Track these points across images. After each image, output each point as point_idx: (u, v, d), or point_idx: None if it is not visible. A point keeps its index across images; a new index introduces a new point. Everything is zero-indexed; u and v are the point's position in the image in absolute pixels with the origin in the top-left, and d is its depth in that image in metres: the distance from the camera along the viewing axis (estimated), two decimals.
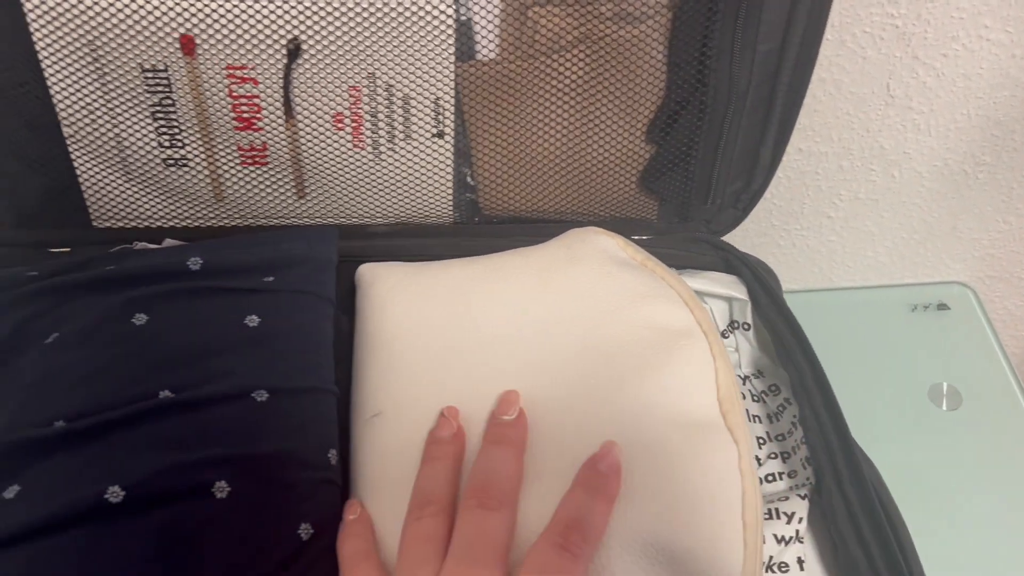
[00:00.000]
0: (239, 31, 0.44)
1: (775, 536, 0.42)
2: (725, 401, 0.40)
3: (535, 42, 0.47)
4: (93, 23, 0.43)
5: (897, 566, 0.39)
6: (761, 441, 0.47)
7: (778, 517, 0.42)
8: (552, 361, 0.40)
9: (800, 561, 0.42)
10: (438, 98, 0.48)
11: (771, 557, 0.41)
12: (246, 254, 0.45)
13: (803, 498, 0.44)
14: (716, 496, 0.37)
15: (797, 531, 0.42)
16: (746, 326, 0.51)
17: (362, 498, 0.39)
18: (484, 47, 0.47)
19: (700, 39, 0.46)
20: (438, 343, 0.42)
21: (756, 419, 0.48)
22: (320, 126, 0.48)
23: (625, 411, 0.38)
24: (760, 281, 0.50)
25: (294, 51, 0.45)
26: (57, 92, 0.46)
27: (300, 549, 0.36)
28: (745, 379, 0.50)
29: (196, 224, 0.52)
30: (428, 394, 0.40)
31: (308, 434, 0.39)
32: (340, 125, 0.48)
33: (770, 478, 0.46)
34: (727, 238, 0.54)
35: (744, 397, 0.48)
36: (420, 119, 0.49)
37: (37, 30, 0.43)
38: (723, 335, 0.51)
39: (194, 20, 0.43)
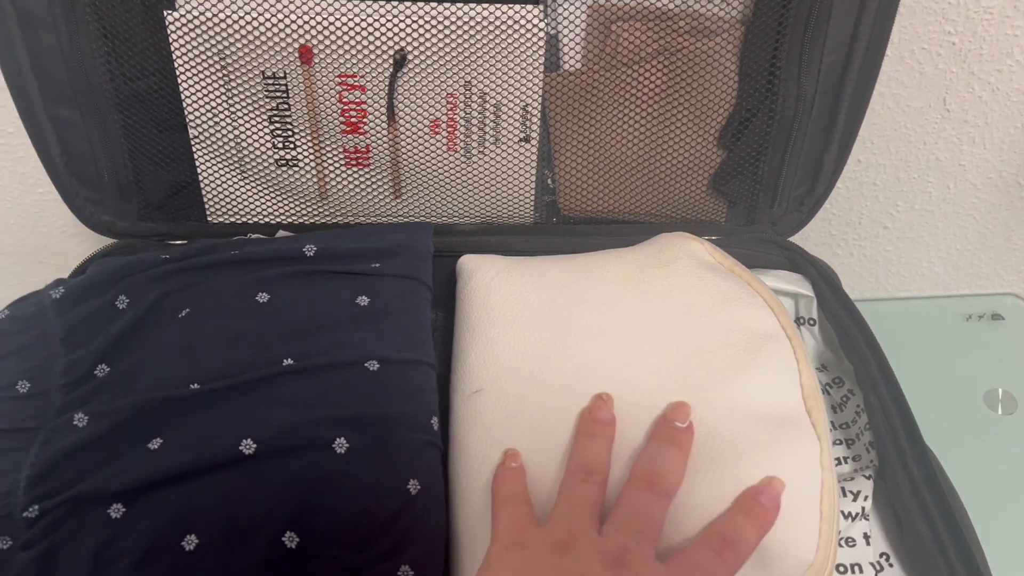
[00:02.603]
0: (352, 42, 0.49)
1: (842, 512, 0.45)
2: (809, 399, 0.43)
3: (617, 54, 0.51)
4: (224, 35, 0.48)
5: (961, 539, 0.42)
6: None
7: (844, 495, 0.45)
8: (644, 354, 0.44)
9: (866, 536, 0.45)
10: (526, 105, 0.52)
11: (838, 532, 0.44)
12: (354, 243, 0.49)
13: (868, 478, 0.46)
14: (798, 487, 0.40)
15: (863, 508, 0.45)
16: (811, 322, 0.54)
17: (462, 466, 0.42)
18: (569, 58, 0.51)
19: (770, 52, 0.50)
20: (537, 329, 0.45)
21: None
22: (418, 131, 0.52)
23: (715, 405, 0.42)
24: (825, 278, 0.53)
25: (400, 61, 0.50)
26: (187, 97, 0.51)
27: (409, 502, 0.40)
28: None
29: (300, 221, 0.56)
30: (527, 374, 0.44)
31: (414, 401, 0.43)
32: (437, 130, 0.53)
33: (836, 462, 0.49)
34: None
35: None
36: (509, 125, 0.53)
37: (175, 40, 0.48)
38: None
39: (313, 32, 0.48)
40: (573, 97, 0.53)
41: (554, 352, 0.44)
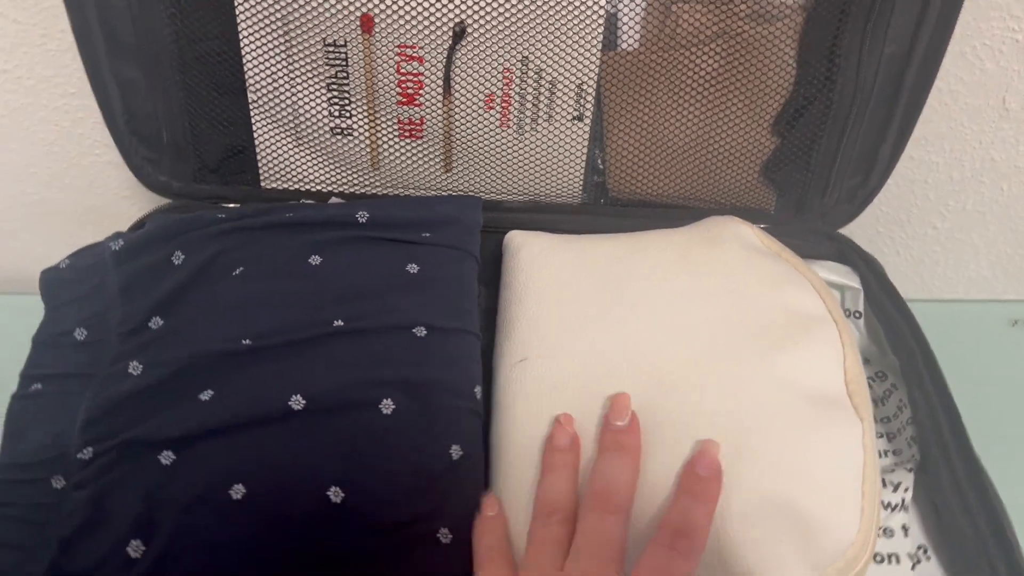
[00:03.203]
0: (414, 12, 0.49)
1: (882, 502, 0.45)
2: (852, 383, 0.43)
3: (675, 35, 0.51)
4: (288, 0, 0.49)
5: (1003, 536, 0.41)
6: None
7: (884, 486, 0.45)
8: (690, 330, 0.44)
9: (905, 528, 0.44)
10: (581, 83, 0.52)
11: (879, 516, 0.44)
12: (406, 212, 0.50)
13: (909, 471, 0.46)
14: (840, 465, 0.40)
15: (903, 499, 0.45)
16: (857, 314, 0.54)
17: (504, 433, 0.43)
18: (628, 38, 0.52)
19: (830, 39, 0.50)
20: (584, 302, 0.46)
21: None
22: (473, 105, 0.53)
23: (761, 382, 0.42)
24: (874, 271, 0.53)
25: (459, 33, 0.50)
26: (249, 61, 0.52)
27: (451, 467, 0.41)
28: None
29: (351, 190, 0.57)
30: (573, 345, 0.44)
31: (459, 368, 0.44)
32: (491, 104, 0.53)
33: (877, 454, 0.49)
34: None
35: None
36: (563, 103, 0.53)
37: (240, 4, 0.49)
38: None
39: (375, 0, 0.49)
40: (629, 77, 0.53)
41: (600, 325, 0.44)
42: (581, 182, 0.57)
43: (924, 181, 0.66)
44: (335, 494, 0.38)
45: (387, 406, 0.41)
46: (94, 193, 0.69)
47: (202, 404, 0.41)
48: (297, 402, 0.40)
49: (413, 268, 0.47)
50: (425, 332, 0.44)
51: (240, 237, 0.48)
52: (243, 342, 0.43)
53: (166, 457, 0.39)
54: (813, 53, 0.50)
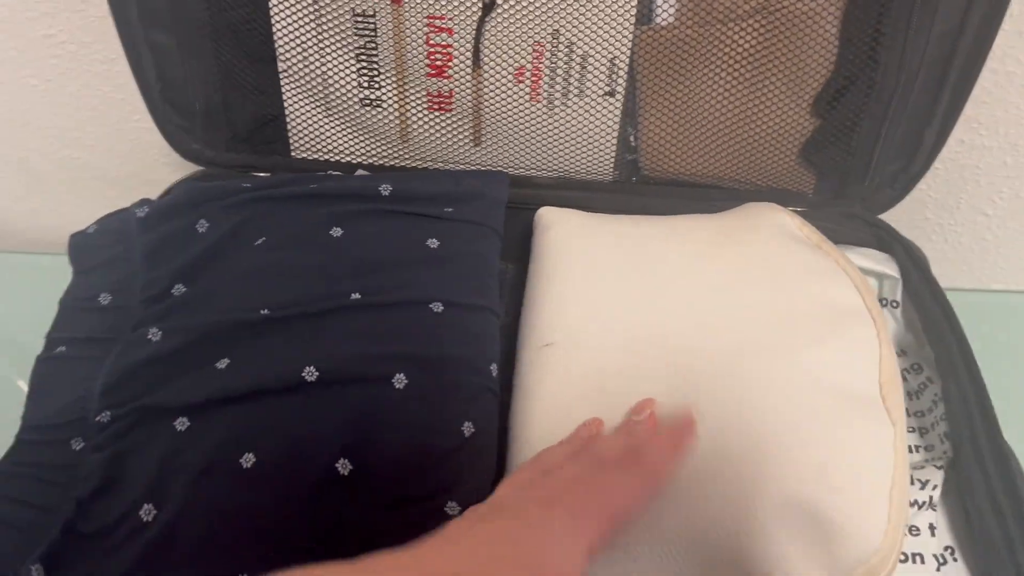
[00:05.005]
0: None
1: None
2: (886, 384, 0.42)
3: (712, 10, 0.49)
4: None
5: None
6: None
7: (912, 483, 0.43)
8: (722, 318, 0.43)
9: (932, 527, 0.43)
10: (614, 58, 0.51)
11: (907, 522, 0.42)
12: (430, 186, 0.49)
13: (939, 468, 0.44)
14: (868, 468, 0.38)
15: (931, 497, 0.43)
16: (894, 304, 0.52)
17: (528, 416, 0.42)
18: (663, 12, 0.50)
19: (875, 16, 0.48)
20: (614, 285, 0.45)
21: None
22: (503, 78, 0.52)
23: (792, 379, 0.40)
24: (914, 260, 0.51)
25: (490, 5, 0.49)
26: (279, 30, 0.51)
27: (462, 444, 0.40)
28: None
29: (380, 162, 0.57)
30: (601, 331, 0.43)
31: (475, 345, 0.43)
32: (521, 78, 0.52)
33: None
34: None
35: None
36: (594, 78, 0.52)
37: None
38: None
39: None
40: (663, 53, 0.51)
41: (629, 311, 0.44)
42: (612, 159, 0.56)
43: (976, 166, 0.63)
44: (343, 466, 0.38)
45: (400, 380, 0.40)
46: (134, 159, 0.70)
47: (218, 372, 0.41)
48: (310, 373, 0.40)
49: (433, 243, 0.46)
50: (442, 308, 0.43)
51: (263, 207, 0.48)
52: (261, 312, 0.43)
53: (181, 424, 0.40)
54: (857, 30, 0.48)
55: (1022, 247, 0.68)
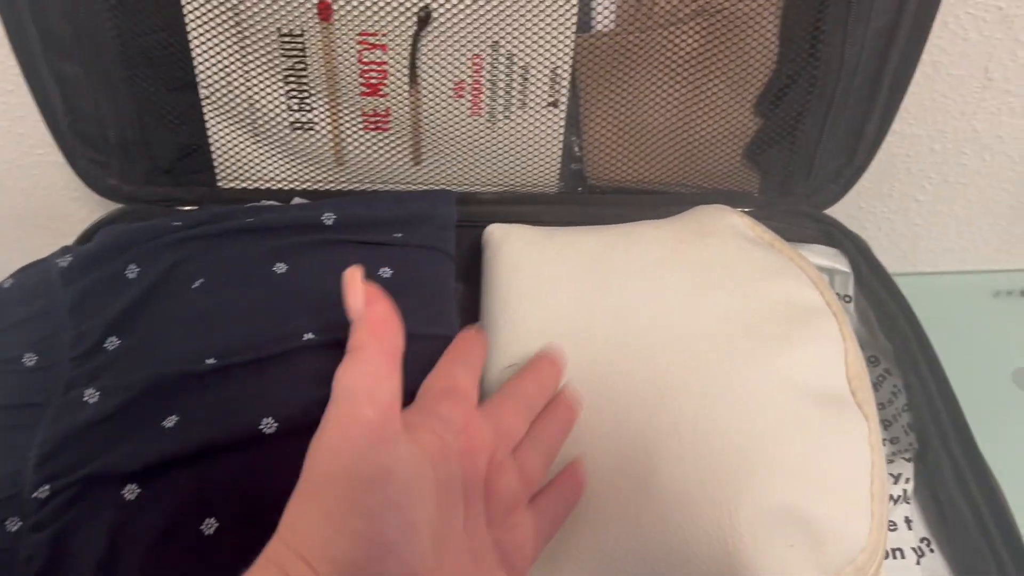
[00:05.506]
0: None
1: None
2: (854, 379, 0.41)
3: (652, 14, 0.48)
4: None
5: (1007, 526, 0.40)
6: None
7: None
8: (687, 326, 0.42)
9: (908, 520, 0.43)
10: (556, 68, 0.50)
11: (888, 515, 0.43)
12: (375, 211, 0.47)
13: (908, 460, 0.45)
14: (849, 467, 0.38)
15: (904, 491, 0.44)
16: (847, 298, 0.52)
17: None
18: (602, 18, 0.49)
19: (814, 14, 0.48)
20: (572, 300, 0.43)
21: None
22: (442, 93, 0.50)
23: (764, 383, 0.40)
24: (863, 253, 0.51)
25: (424, 19, 0.47)
26: (199, 55, 0.48)
27: None
28: None
29: (315, 187, 0.54)
30: (565, 346, 0.42)
31: None
32: (460, 93, 0.50)
33: None
34: None
35: None
36: (536, 88, 0.50)
37: None
38: None
39: None
40: (605, 60, 0.50)
41: (591, 326, 0.42)
42: (558, 171, 0.54)
43: (906, 154, 0.64)
44: None
45: None
46: (38, 195, 0.66)
47: (166, 432, 0.38)
48: (268, 425, 0.37)
49: (386, 272, 0.44)
50: None
51: (198, 246, 0.44)
52: (207, 361, 0.40)
53: (130, 491, 0.36)
54: (797, 28, 0.48)
55: (951, 229, 0.70)
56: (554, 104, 0.51)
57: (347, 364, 0.30)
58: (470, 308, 0.48)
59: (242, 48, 0.48)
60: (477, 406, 0.37)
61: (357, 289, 0.31)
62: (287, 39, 0.47)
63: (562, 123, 0.52)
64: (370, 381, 0.30)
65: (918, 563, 0.42)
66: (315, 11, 0.46)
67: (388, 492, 0.28)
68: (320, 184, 0.54)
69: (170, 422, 0.38)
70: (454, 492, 0.32)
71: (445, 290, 0.45)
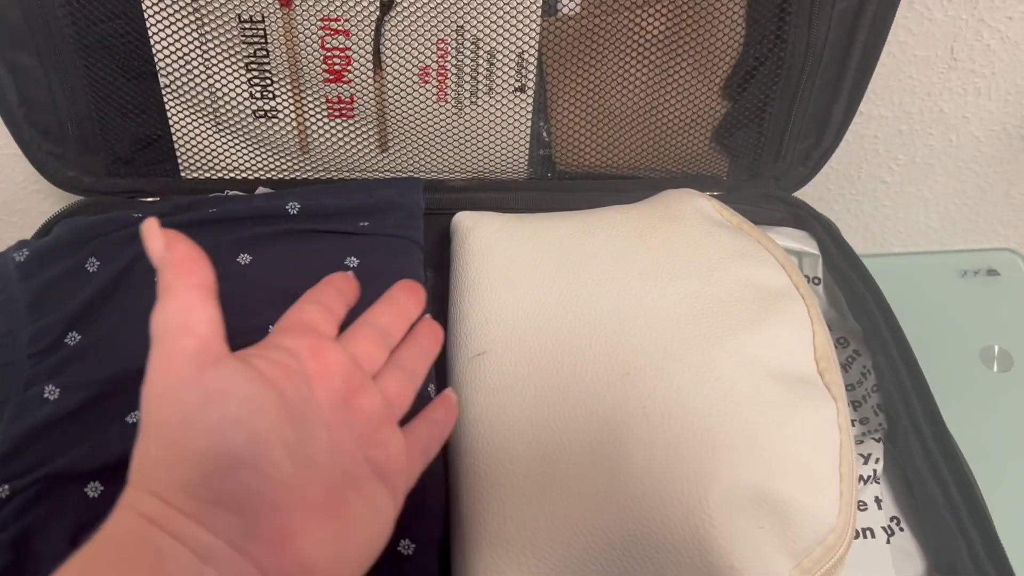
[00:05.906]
0: None
1: None
2: (822, 360, 0.42)
3: None
4: None
5: (975, 504, 0.41)
6: None
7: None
8: (655, 310, 0.42)
9: (878, 500, 0.43)
10: (522, 52, 0.49)
11: (857, 495, 0.43)
12: (341, 200, 0.46)
13: (877, 441, 0.45)
14: (817, 448, 0.38)
15: (875, 471, 0.44)
16: (816, 280, 0.52)
17: (463, 432, 0.40)
18: (568, 2, 0.48)
19: None
20: (541, 287, 0.43)
21: None
22: (406, 79, 0.49)
23: (731, 365, 0.40)
24: (832, 235, 0.52)
25: (387, 3, 0.46)
26: (157, 43, 0.47)
27: None
28: None
29: (280, 176, 0.53)
30: (533, 335, 0.41)
31: None
32: (426, 79, 0.49)
33: None
34: None
35: None
36: (503, 73, 0.50)
37: None
38: None
39: None
40: (571, 44, 0.49)
41: (560, 311, 0.42)
42: (526, 156, 0.54)
43: (873, 136, 0.64)
44: None
45: None
46: None
47: (129, 427, 0.37)
48: None
49: (353, 261, 0.43)
50: None
51: None
52: None
53: (94, 489, 0.36)
54: (763, 10, 0.48)
55: (918, 210, 0.71)
56: (521, 89, 0.51)
57: (158, 307, 0.29)
58: (440, 296, 0.48)
59: (202, 35, 0.47)
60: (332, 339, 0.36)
61: (155, 235, 0.30)
62: (247, 25, 0.47)
63: (529, 108, 0.51)
64: (183, 316, 0.29)
65: (888, 542, 0.42)
66: None
67: (225, 408, 0.27)
68: (285, 173, 0.53)
69: (132, 418, 0.37)
70: (311, 411, 0.31)
71: (414, 278, 0.45)
